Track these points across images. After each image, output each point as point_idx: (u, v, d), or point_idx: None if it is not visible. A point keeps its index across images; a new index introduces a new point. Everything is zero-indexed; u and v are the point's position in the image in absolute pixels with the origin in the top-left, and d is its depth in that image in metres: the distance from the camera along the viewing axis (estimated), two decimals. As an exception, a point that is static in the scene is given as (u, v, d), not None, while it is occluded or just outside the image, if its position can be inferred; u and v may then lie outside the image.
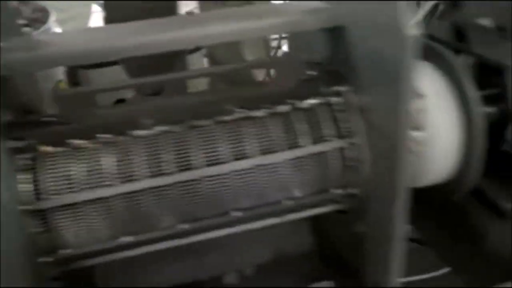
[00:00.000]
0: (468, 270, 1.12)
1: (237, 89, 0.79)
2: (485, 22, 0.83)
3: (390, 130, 0.66)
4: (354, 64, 0.73)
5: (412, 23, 0.58)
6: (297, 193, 0.77)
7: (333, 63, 0.80)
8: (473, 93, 0.81)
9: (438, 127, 0.81)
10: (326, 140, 0.75)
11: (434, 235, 1.23)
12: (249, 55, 1.32)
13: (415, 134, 0.83)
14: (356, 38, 0.71)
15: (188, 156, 0.70)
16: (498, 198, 0.98)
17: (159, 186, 0.69)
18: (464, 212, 1.09)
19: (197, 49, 1.64)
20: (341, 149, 0.75)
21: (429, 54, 0.88)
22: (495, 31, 0.85)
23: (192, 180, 0.70)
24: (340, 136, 0.75)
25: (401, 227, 0.69)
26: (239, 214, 0.75)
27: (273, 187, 0.75)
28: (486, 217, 1.02)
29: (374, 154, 0.72)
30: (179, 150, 0.70)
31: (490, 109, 0.88)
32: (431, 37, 0.99)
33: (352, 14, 0.70)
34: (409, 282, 1.40)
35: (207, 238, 0.76)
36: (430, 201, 1.02)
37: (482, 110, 0.81)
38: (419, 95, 0.83)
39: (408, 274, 1.38)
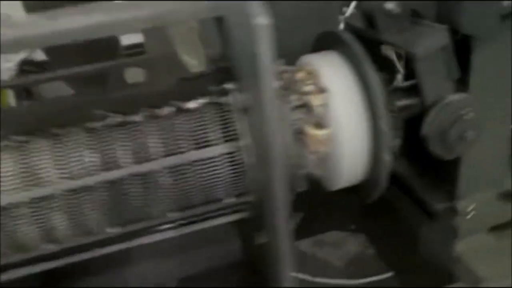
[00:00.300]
0: (407, 274, 1.06)
1: (113, 91, 0.71)
2: (391, 6, 0.75)
3: (264, 130, 0.58)
4: (234, 60, 0.66)
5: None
6: (183, 204, 0.69)
7: (224, 59, 0.72)
8: (378, 85, 0.73)
9: (343, 123, 0.74)
10: (212, 145, 0.68)
11: (376, 238, 1.17)
12: (183, 49, 1.23)
13: (318, 132, 0.76)
14: (231, 31, 0.63)
15: (46, 169, 0.62)
16: (428, 198, 0.90)
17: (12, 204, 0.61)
18: (401, 213, 1.02)
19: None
20: (229, 154, 0.68)
21: (337, 45, 0.80)
22: (406, 16, 0.78)
23: (51, 196, 0.62)
24: (227, 140, 0.68)
25: (286, 229, 0.63)
26: (116, 230, 0.67)
27: (153, 199, 0.67)
28: (419, 218, 0.95)
29: (258, 158, 0.65)
30: (36, 162, 0.62)
31: (412, 101, 0.81)
32: (349, 26, 0.92)
33: (226, 5, 0.63)
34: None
35: (81, 259, 0.68)
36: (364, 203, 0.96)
37: (386, 104, 0.73)
38: (323, 89, 0.76)
39: (354, 277, 1.32)
